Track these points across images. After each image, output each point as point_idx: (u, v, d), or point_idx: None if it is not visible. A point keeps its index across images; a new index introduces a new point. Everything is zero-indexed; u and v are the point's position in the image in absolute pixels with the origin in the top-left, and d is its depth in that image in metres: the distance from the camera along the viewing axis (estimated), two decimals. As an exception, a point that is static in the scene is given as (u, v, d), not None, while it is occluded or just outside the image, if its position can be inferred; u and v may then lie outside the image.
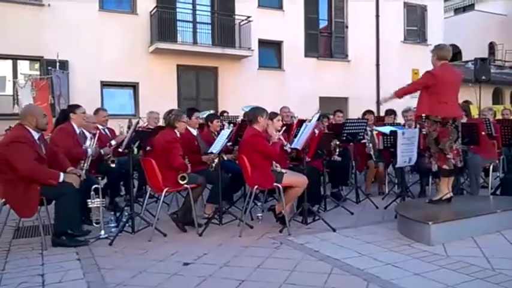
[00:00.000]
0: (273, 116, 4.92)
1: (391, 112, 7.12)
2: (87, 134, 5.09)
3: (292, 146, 4.82)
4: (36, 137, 4.08)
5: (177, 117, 4.78)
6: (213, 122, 5.92)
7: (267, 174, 4.56)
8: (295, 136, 5.07)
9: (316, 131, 4.96)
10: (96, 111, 6.10)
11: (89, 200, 4.26)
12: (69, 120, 4.98)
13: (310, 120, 4.97)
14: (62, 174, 4.04)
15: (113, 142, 5.26)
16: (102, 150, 5.12)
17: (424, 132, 4.73)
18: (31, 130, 4.06)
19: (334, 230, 4.46)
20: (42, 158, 4.06)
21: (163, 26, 12.66)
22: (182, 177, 4.49)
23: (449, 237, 4.01)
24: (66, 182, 4.00)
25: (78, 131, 5.00)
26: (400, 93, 4.64)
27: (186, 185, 4.53)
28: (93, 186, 4.28)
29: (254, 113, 4.75)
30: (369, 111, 7.04)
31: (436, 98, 4.48)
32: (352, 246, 3.97)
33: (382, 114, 7.12)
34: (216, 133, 5.73)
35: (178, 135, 4.77)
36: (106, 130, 6.04)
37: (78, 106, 5.11)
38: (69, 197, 3.96)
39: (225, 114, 8.68)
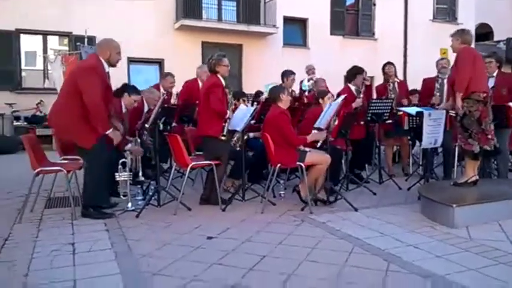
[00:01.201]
0: (323, 94, 5.27)
1: (414, 91, 6.99)
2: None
3: (316, 126, 4.80)
4: (106, 69, 4.21)
5: (217, 62, 4.76)
6: (239, 100, 5.97)
7: (291, 153, 4.58)
8: None
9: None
10: (165, 75, 6.37)
11: (116, 174, 4.38)
12: (121, 97, 5.04)
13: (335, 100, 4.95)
14: (111, 130, 4.16)
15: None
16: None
17: (460, 114, 4.55)
18: (103, 62, 4.17)
19: (356, 210, 4.48)
20: (110, 89, 4.26)
21: (189, 3, 12.65)
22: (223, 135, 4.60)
23: (474, 220, 3.97)
24: (100, 150, 4.06)
25: (124, 110, 5.10)
26: (462, 87, 4.39)
27: (209, 162, 4.61)
28: (121, 160, 4.39)
29: (275, 91, 4.78)
30: (389, 63, 6.82)
31: (477, 74, 4.38)
32: (374, 226, 3.98)
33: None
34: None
35: (222, 80, 4.75)
36: (164, 95, 6.20)
37: (135, 90, 5.11)
38: (97, 168, 4.09)
39: (262, 95, 8.64)
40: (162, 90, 6.38)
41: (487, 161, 5.62)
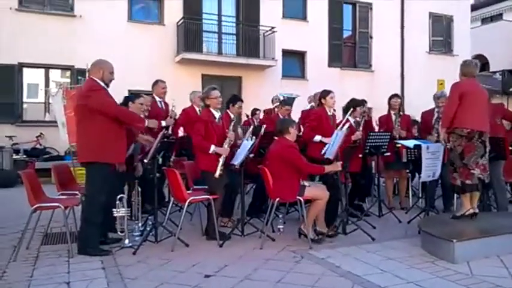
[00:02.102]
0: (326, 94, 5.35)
1: (415, 122, 7.03)
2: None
3: (325, 156, 4.77)
4: (106, 88, 4.29)
5: (206, 95, 4.88)
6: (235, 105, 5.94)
7: (292, 187, 4.55)
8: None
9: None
10: (155, 83, 6.40)
11: (114, 209, 4.36)
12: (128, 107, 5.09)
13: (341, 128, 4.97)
14: (146, 120, 4.40)
15: (163, 123, 5.42)
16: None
17: (449, 147, 4.68)
18: (99, 81, 4.24)
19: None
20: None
21: (190, 37, 12.90)
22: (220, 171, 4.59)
23: (474, 255, 3.93)
24: (101, 174, 4.13)
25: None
26: (446, 123, 4.60)
27: (208, 196, 4.60)
28: (118, 196, 4.38)
29: (284, 123, 4.77)
30: (396, 95, 6.87)
31: (462, 109, 4.44)
32: (374, 262, 3.93)
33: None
34: (236, 115, 5.91)
35: (215, 113, 4.83)
36: (162, 103, 6.24)
37: (138, 96, 5.21)
38: (94, 203, 4.10)
39: (258, 112, 8.67)
40: (157, 98, 6.38)
41: (486, 194, 5.61)
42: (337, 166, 4.65)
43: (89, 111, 4.10)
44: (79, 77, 10.42)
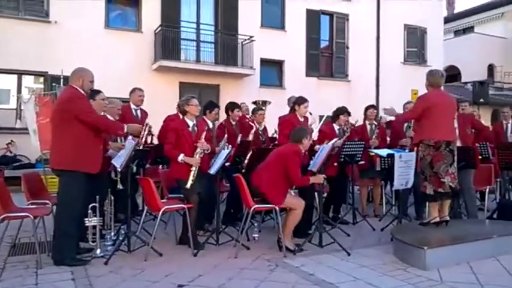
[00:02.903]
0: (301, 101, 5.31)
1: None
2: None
3: (309, 168, 4.82)
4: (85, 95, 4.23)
5: (185, 102, 4.84)
6: (233, 112, 6.05)
7: (280, 190, 4.53)
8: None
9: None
10: (133, 91, 6.32)
11: (86, 219, 4.28)
12: None
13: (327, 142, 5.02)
14: (125, 126, 4.29)
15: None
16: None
17: (419, 156, 4.80)
18: (79, 90, 4.17)
19: (349, 254, 4.43)
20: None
21: (167, 44, 12.83)
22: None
23: (445, 262, 4.01)
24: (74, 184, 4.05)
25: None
26: (400, 119, 4.77)
27: (183, 205, 4.57)
28: (91, 205, 4.30)
29: (299, 134, 4.73)
30: (372, 106, 7.04)
31: (429, 121, 4.56)
32: (348, 269, 3.97)
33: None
34: (235, 124, 6.06)
35: (188, 122, 4.80)
36: (138, 111, 6.13)
37: (98, 92, 5.04)
38: (68, 213, 4.02)
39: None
40: (132, 106, 6.30)
41: (457, 202, 5.74)
42: (320, 179, 4.69)
43: (68, 118, 4.02)
44: (53, 84, 10.22)
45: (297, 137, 4.71)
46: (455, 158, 4.68)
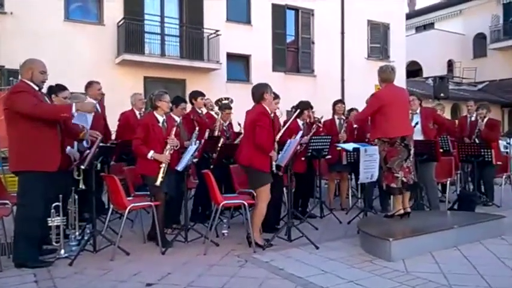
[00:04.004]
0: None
1: (352, 110, 7.25)
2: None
3: (277, 163, 4.77)
4: (36, 88, 4.00)
5: (157, 97, 4.73)
6: (197, 100, 5.95)
7: (264, 158, 4.48)
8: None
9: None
10: (89, 84, 5.94)
11: (48, 219, 4.13)
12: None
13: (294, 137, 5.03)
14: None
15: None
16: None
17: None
18: (29, 83, 3.95)
19: (317, 248, 4.47)
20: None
21: (131, 38, 12.56)
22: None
23: (409, 253, 4.13)
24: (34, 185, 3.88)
25: None
26: (358, 121, 5.02)
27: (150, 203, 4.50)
28: (53, 204, 4.15)
29: (258, 89, 4.63)
30: (340, 101, 7.14)
31: (384, 118, 4.68)
32: (316, 263, 4.02)
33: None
34: (201, 112, 6.01)
35: (158, 117, 4.71)
36: (97, 106, 5.93)
37: (63, 89, 4.82)
38: (27, 214, 3.86)
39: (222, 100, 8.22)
40: (89, 99, 6.06)
41: (420, 194, 5.93)
42: (275, 155, 4.64)
43: (13, 116, 3.85)
44: (10, 78, 9.77)
45: (258, 94, 4.61)
46: (412, 152, 4.79)
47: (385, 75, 4.83)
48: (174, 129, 4.65)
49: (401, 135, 4.67)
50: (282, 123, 5.93)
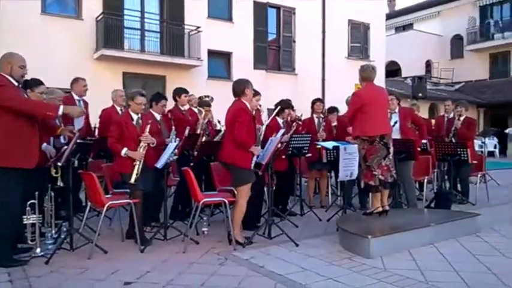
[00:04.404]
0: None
1: (333, 109, 7.28)
2: None
3: (257, 161, 4.73)
4: (15, 84, 3.90)
5: (130, 97, 4.72)
6: (181, 97, 5.95)
7: (243, 153, 4.46)
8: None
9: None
10: (75, 81, 5.97)
11: (24, 217, 4.03)
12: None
13: (275, 135, 5.02)
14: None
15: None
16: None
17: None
18: (8, 77, 3.85)
19: (297, 245, 4.48)
20: None
21: (110, 33, 12.35)
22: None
23: (387, 250, 4.19)
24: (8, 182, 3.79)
25: None
26: (345, 119, 5.16)
27: (128, 200, 4.44)
28: (29, 202, 4.05)
29: (239, 85, 4.62)
30: (319, 99, 7.16)
31: (363, 117, 4.75)
32: (296, 260, 4.04)
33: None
34: (184, 110, 6.02)
35: (133, 115, 4.68)
36: (81, 102, 5.81)
37: (39, 84, 4.70)
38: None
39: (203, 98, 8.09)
40: (75, 97, 5.96)
41: (398, 192, 6.02)
42: (257, 149, 4.60)
43: None
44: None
45: (238, 90, 4.60)
46: (391, 150, 4.87)
47: (366, 74, 4.89)
48: (148, 126, 4.58)
49: (380, 134, 4.73)
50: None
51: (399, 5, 29.47)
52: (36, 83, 4.77)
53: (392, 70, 24.25)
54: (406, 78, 22.77)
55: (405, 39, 24.83)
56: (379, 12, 19.13)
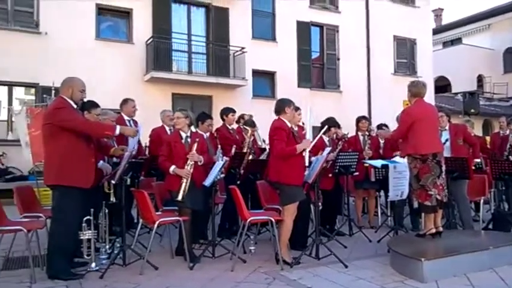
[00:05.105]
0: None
1: (382, 127, 7.12)
2: None
3: (304, 180, 4.70)
4: (74, 106, 4.15)
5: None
6: (228, 116, 6.13)
7: (291, 168, 4.42)
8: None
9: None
10: (125, 102, 6.21)
11: (80, 232, 4.21)
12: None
13: (321, 153, 5.01)
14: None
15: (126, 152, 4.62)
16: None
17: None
18: (68, 100, 4.11)
19: (346, 266, 4.39)
20: None
21: (159, 56, 12.84)
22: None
23: (443, 274, 3.99)
24: (68, 200, 3.98)
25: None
26: (392, 140, 5.18)
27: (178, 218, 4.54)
28: (85, 218, 4.23)
29: (281, 104, 4.67)
30: (364, 117, 7.03)
31: (415, 134, 4.60)
32: (345, 282, 3.94)
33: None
34: (232, 129, 6.18)
35: (182, 134, 4.80)
36: (131, 122, 6.07)
37: (95, 106, 4.96)
38: (62, 228, 3.95)
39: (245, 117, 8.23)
40: (125, 117, 6.14)
41: (452, 213, 5.76)
42: (308, 142, 4.59)
43: (55, 131, 3.97)
44: (44, 95, 10.11)
45: (279, 108, 4.63)
46: (443, 168, 4.69)
47: (417, 89, 4.78)
48: (195, 145, 4.69)
49: (433, 152, 4.58)
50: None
51: (446, 20, 28.76)
52: (93, 105, 5.03)
53: (442, 86, 23.52)
54: (456, 93, 21.96)
55: (454, 53, 24.07)
56: (425, 27, 18.73)
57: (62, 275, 3.92)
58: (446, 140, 5.70)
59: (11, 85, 11.74)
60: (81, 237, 4.24)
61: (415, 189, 4.70)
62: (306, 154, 4.51)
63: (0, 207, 4.24)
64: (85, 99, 4.57)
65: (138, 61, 13.05)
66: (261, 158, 6.42)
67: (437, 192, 4.57)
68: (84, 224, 4.23)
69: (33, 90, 11.97)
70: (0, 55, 11.13)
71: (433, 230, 4.67)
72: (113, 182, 4.53)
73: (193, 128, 5.16)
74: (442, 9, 29.27)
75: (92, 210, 4.31)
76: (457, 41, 26.62)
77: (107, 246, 4.76)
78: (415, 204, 4.74)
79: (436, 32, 23.65)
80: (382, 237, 5.54)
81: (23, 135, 8.23)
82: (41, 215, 4.53)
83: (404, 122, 4.74)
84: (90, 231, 4.27)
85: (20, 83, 11.74)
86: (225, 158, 5.38)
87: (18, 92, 12.09)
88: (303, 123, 6.10)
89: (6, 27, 11.56)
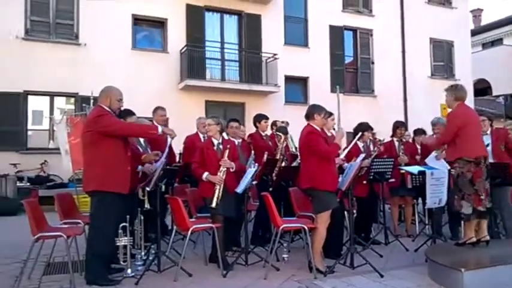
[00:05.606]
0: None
1: (421, 131, 6.93)
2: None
3: (338, 187, 4.66)
4: (112, 114, 4.29)
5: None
6: (261, 123, 6.23)
7: (323, 174, 4.43)
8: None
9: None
10: (155, 110, 6.35)
11: (116, 239, 4.31)
12: None
13: (355, 160, 4.95)
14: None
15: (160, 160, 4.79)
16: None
17: (454, 174, 4.62)
18: (106, 108, 4.25)
19: (381, 276, 4.28)
20: None
21: (193, 64, 13.06)
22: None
23: (484, 285, 3.83)
24: (107, 206, 4.10)
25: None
26: (439, 145, 4.98)
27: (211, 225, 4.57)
28: (121, 225, 4.33)
29: (312, 109, 4.70)
30: (402, 123, 6.85)
31: (466, 138, 4.44)
32: (381, 292, 3.85)
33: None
34: (266, 135, 6.27)
35: (214, 141, 4.89)
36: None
37: (131, 114, 5.13)
38: (100, 235, 4.06)
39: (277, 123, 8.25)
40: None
41: (494, 221, 5.52)
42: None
43: (96, 139, 4.10)
44: (83, 104, 10.48)
45: (309, 113, 4.65)
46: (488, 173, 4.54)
47: (461, 93, 4.68)
48: (227, 151, 4.71)
49: (484, 155, 4.46)
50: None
51: (485, 20, 27.78)
52: (128, 113, 5.17)
53: (481, 88, 22.68)
54: (497, 96, 21.14)
55: (495, 55, 23.17)
56: (463, 28, 18.17)
57: (100, 280, 4.02)
58: (487, 145, 5.48)
59: (52, 95, 12.24)
60: (118, 244, 4.34)
61: (468, 194, 4.50)
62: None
63: (42, 214, 4.42)
64: (122, 108, 4.71)
65: (172, 70, 13.32)
66: (293, 165, 6.37)
67: (485, 197, 4.42)
68: (120, 231, 4.33)
69: (72, 100, 12.43)
70: (42, 67, 11.67)
71: (474, 239, 4.49)
72: (147, 188, 4.62)
73: (225, 135, 5.21)
74: (481, 10, 28.34)
75: (128, 217, 4.41)
76: (497, 41, 25.63)
77: (142, 253, 4.84)
78: (467, 210, 4.44)
79: (474, 33, 22.89)
80: (420, 246, 5.37)
81: (63, 143, 8.55)
82: (79, 221, 4.67)
83: (454, 125, 4.57)
84: (126, 238, 4.37)
85: (61, 93, 12.22)
86: (256, 164, 5.38)
87: (59, 102, 12.59)
88: (335, 129, 6.03)
89: (48, 39, 12.09)
